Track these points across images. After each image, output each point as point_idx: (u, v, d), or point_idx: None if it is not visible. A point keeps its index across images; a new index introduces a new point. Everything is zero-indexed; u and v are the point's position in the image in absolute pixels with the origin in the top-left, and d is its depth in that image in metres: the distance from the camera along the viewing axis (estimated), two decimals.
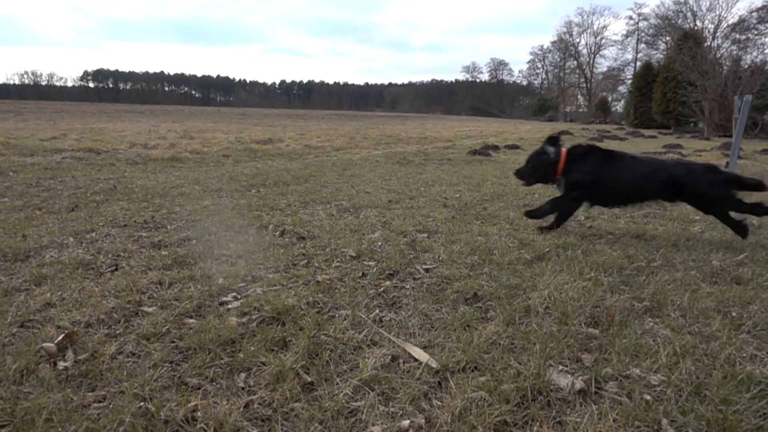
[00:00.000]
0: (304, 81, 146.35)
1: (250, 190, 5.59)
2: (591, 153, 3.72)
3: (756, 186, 3.57)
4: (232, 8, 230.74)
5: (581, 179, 3.63)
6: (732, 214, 3.55)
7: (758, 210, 3.52)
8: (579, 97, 79.15)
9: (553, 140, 3.77)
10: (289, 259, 2.99)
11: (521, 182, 3.96)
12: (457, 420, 1.47)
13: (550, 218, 3.84)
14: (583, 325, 2.10)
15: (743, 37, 37.76)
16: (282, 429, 1.44)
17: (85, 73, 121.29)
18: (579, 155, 3.70)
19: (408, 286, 2.58)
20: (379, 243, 3.35)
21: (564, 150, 3.72)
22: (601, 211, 4.61)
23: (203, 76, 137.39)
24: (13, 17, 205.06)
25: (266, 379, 1.67)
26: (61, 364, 1.72)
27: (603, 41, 72.86)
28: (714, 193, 3.47)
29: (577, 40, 76.10)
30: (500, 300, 2.37)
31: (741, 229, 3.54)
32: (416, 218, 4.18)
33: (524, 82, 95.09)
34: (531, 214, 3.83)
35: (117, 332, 1.98)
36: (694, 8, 44.50)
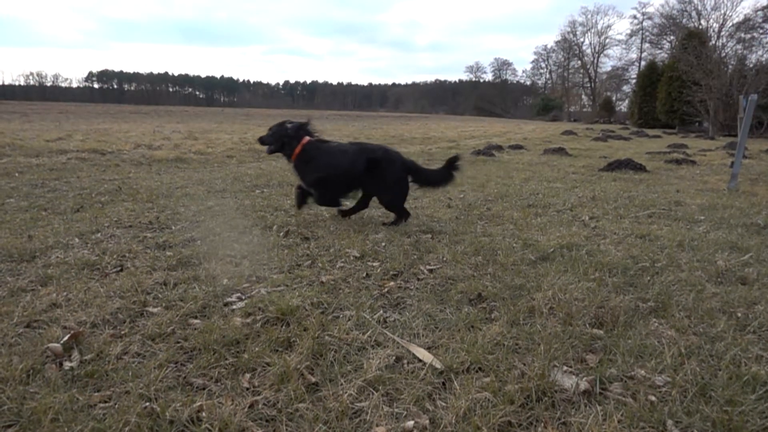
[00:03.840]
0: (308, 81, 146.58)
1: (255, 191, 5.61)
2: (309, 150, 3.89)
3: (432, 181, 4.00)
4: (236, 8, 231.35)
5: (310, 178, 3.90)
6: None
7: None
8: (583, 96, 78.79)
9: (305, 124, 4.00)
10: (293, 259, 2.99)
11: (265, 149, 4.15)
12: (461, 421, 1.47)
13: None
14: (587, 325, 2.09)
15: (748, 36, 37.43)
16: (286, 429, 1.45)
17: (90, 74, 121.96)
18: (306, 151, 3.88)
19: (412, 287, 2.58)
20: (383, 243, 3.36)
21: (305, 140, 3.90)
22: (605, 210, 4.60)
23: (207, 77, 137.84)
24: (18, 19, 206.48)
25: (271, 380, 1.67)
26: (67, 365, 1.73)
27: (607, 41, 72.44)
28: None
29: (581, 39, 75.70)
30: (504, 301, 2.37)
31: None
32: (420, 218, 4.18)
33: (528, 82, 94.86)
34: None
35: (122, 333, 2.00)
36: (699, 7, 44.17)
